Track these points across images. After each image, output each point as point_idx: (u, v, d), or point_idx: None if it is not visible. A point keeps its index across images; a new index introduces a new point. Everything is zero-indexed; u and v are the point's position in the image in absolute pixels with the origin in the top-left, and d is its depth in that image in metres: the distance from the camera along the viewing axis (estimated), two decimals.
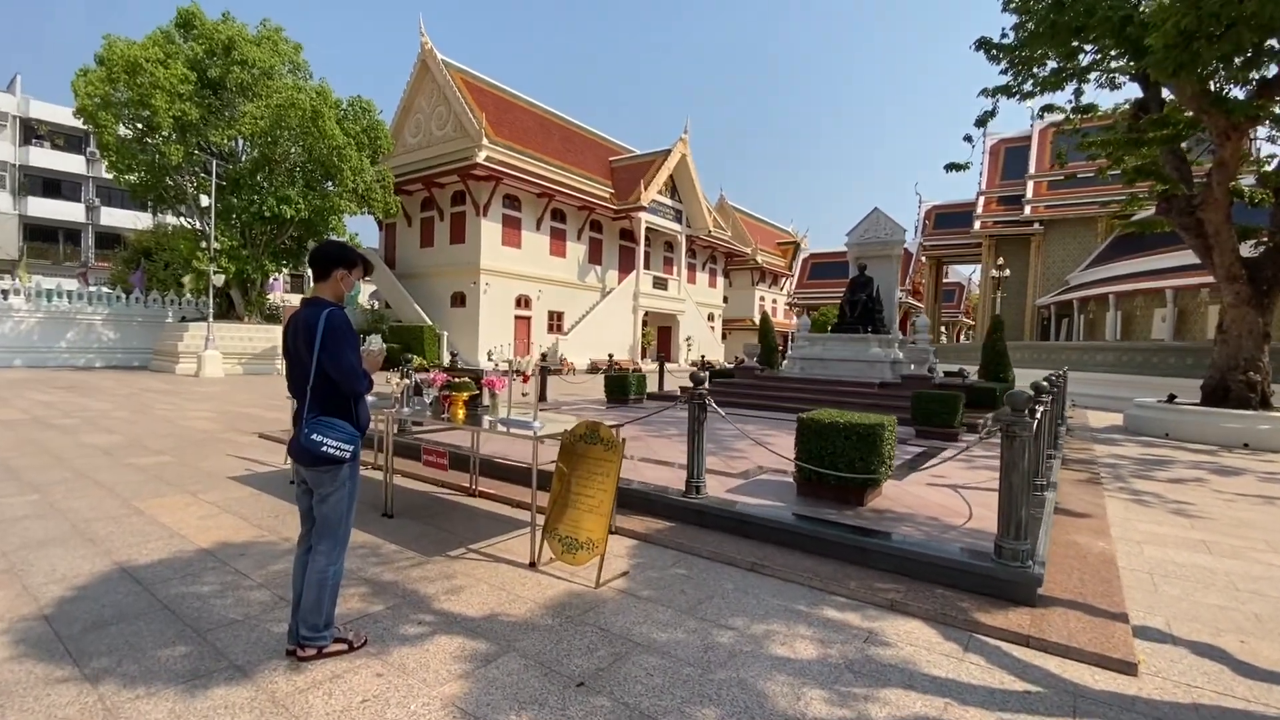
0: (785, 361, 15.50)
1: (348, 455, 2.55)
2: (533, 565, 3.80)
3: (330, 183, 21.39)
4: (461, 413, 4.59)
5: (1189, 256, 22.67)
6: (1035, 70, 11.95)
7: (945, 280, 47.27)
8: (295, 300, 31.92)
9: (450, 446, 6.53)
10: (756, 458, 6.56)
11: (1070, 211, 32.65)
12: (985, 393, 11.84)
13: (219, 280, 19.66)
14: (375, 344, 3.12)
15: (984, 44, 11.37)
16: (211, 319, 19.29)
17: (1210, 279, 21.34)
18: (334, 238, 3.56)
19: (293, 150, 20.31)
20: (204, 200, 21.01)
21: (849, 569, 3.79)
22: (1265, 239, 10.92)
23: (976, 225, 35.59)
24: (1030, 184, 34.53)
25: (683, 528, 4.46)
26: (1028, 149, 36.25)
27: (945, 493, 5.13)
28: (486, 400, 4.88)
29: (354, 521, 2.89)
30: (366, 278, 2.95)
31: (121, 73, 18.08)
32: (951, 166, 14.58)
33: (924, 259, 42.02)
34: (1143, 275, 24.12)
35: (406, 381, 4.82)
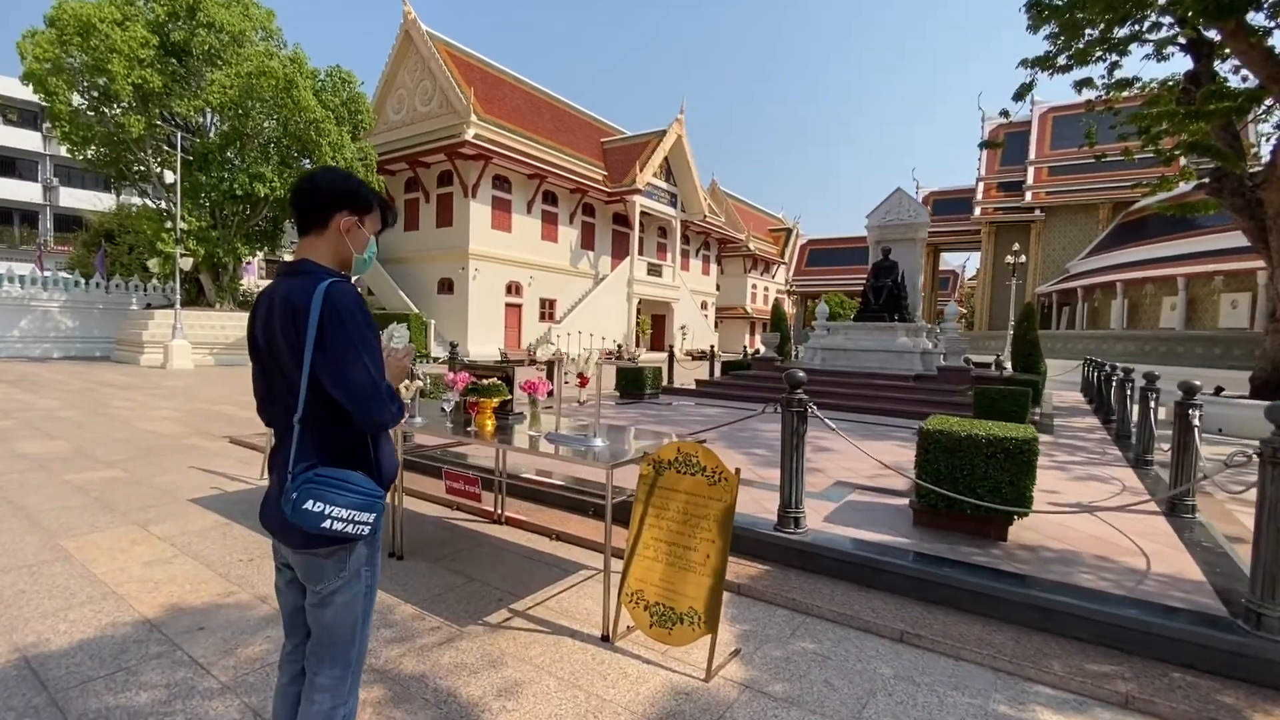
0: (803, 351, 14.57)
1: (365, 530, 1.48)
2: (606, 639, 2.77)
3: (308, 160, 19.89)
4: (490, 424, 3.54)
5: (1201, 243, 22.23)
6: (1073, 43, 11.11)
7: (941, 269, 46.75)
8: None
9: (454, 457, 5.47)
10: (831, 470, 5.58)
11: (1071, 198, 32.13)
12: (1025, 385, 11.00)
13: (186, 264, 18.16)
14: (400, 338, 2.00)
15: (1035, 3, 10.42)
16: (179, 306, 17.82)
17: (1223, 266, 20.87)
18: (325, 172, 1.31)
19: (266, 124, 18.78)
20: (169, 177, 19.44)
21: (1032, 638, 2.81)
22: None
23: (977, 211, 34.99)
24: (1031, 170, 33.95)
25: (784, 574, 3.45)
26: (1027, 134, 35.64)
27: (1084, 518, 4.19)
28: (519, 407, 3.86)
29: None
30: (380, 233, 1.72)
31: (74, 35, 16.41)
32: (986, 145, 13.75)
33: None
34: (1152, 262, 23.58)
35: (418, 383, 3.75)
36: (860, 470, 5.53)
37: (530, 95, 29.82)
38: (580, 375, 3.17)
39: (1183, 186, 13.88)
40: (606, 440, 3.20)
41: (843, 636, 2.88)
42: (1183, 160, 11.93)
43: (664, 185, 32.00)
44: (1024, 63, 11.68)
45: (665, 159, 31.13)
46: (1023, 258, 23.65)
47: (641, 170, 28.84)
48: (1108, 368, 9.91)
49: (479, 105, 23.84)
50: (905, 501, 4.47)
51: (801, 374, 3.63)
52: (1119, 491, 5.10)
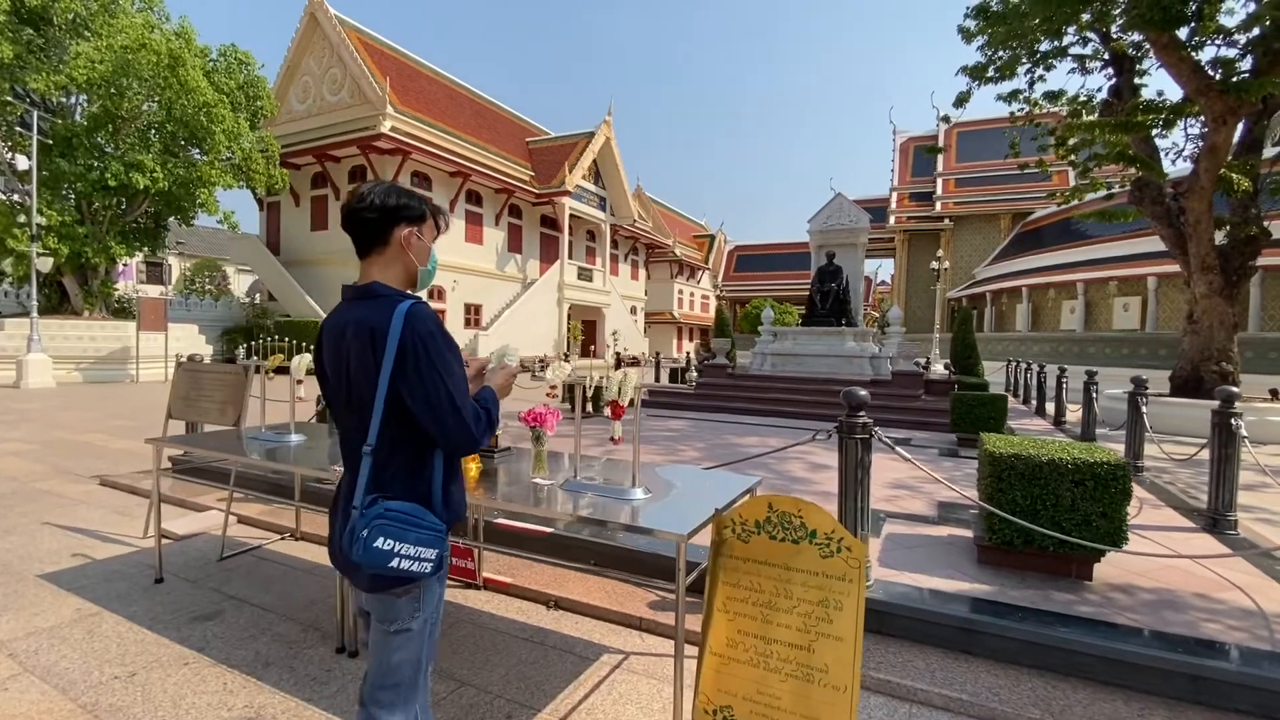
0: (750, 357, 14.23)
1: (429, 568, 1.40)
2: None
3: (197, 149, 17.66)
4: (475, 468, 2.71)
5: (1095, 251, 23.96)
6: (1001, 53, 11.46)
7: None
8: (151, 291, 27.05)
9: None
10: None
11: (976, 208, 34.15)
12: (976, 389, 11.10)
13: (46, 265, 15.56)
14: (511, 356, 1.92)
15: (980, 11, 10.55)
16: (36, 313, 15.19)
17: (1116, 272, 22.60)
18: (372, 190, 1.57)
19: (145, 106, 16.46)
20: (23, 163, 16.65)
21: (1188, 715, 2.29)
22: (1251, 228, 10.71)
23: (891, 220, 36.50)
24: (940, 181, 35.85)
25: None
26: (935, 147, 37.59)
27: (1146, 543, 3.81)
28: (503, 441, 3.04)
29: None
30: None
31: None
32: (929, 150, 13.94)
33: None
34: (1054, 269, 25.24)
35: None
36: (875, 494, 5.00)
37: (450, 89, 28.26)
38: (613, 404, 2.39)
39: (1090, 196, 14.61)
40: (649, 491, 2.42)
41: None
42: (1070, 177, 12.63)
43: (593, 188, 31.23)
44: (963, 69, 11.90)
45: (594, 161, 30.39)
46: (946, 264, 24.67)
47: (571, 172, 27.94)
48: (1058, 370, 10.08)
49: (395, 97, 22.19)
50: (949, 532, 3.96)
51: (864, 393, 3.00)
52: (1138, 507, 4.83)
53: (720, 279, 50.35)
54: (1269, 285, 19.09)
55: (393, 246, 1.49)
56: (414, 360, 1.36)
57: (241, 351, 20.17)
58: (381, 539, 1.32)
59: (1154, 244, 18.17)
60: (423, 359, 1.37)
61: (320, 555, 3.92)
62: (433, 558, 1.40)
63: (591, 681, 2.54)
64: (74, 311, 17.90)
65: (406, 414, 1.40)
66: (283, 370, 3.61)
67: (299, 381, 3.46)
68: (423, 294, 1.59)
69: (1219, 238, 11.21)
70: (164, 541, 3.96)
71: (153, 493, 3.59)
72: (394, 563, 1.33)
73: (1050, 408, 11.03)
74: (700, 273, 50.30)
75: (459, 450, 1.47)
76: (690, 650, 2.12)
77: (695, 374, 12.63)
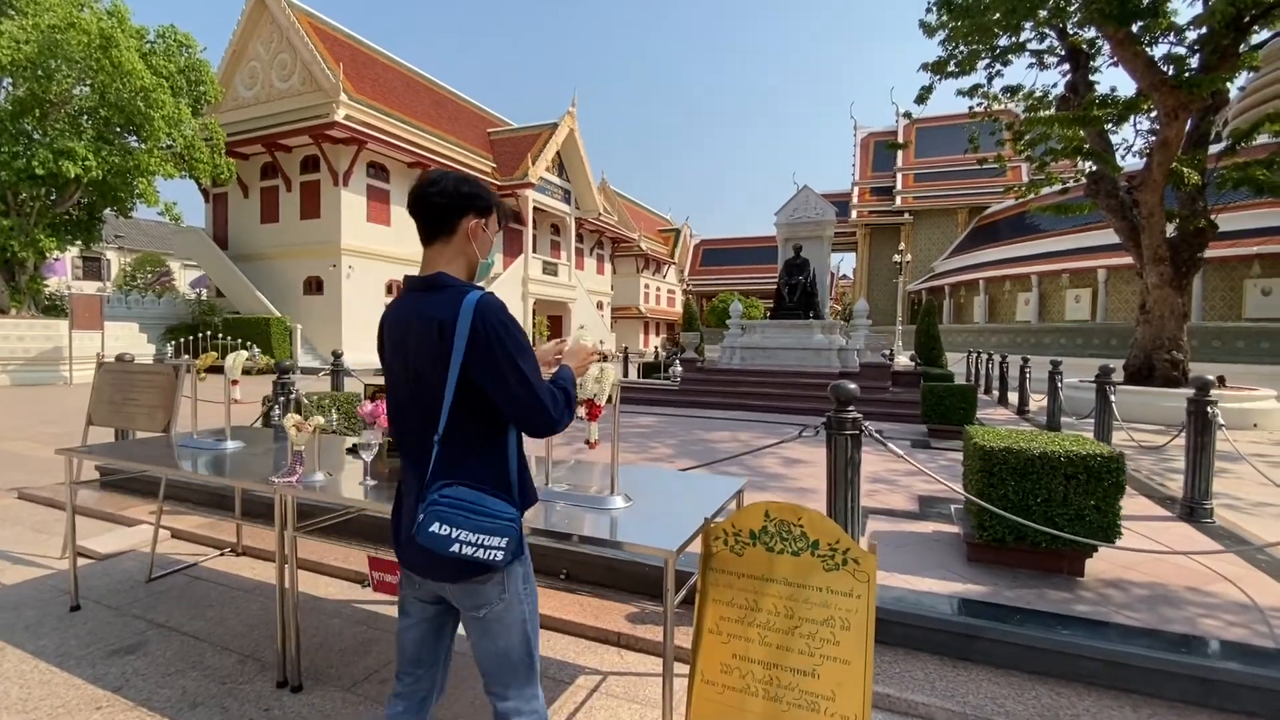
0: (719, 351, 14.12)
1: (499, 555, 1.35)
2: None
3: (134, 135, 16.62)
4: None
5: (1048, 244, 24.64)
6: (961, 48, 11.55)
7: None
8: (88, 288, 25.61)
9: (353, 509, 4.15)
10: (817, 486, 4.86)
11: (935, 203, 34.84)
12: (936, 379, 11.19)
13: None
14: (588, 338, 1.81)
15: (943, 3, 10.57)
16: None
17: (1068, 265, 23.29)
18: (443, 176, 1.22)
19: (77, 90, 15.41)
20: None
21: (1195, 718, 2.19)
22: (1199, 220, 11.01)
23: (853, 215, 36.95)
24: (899, 176, 36.45)
25: None
26: (896, 143, 38.18)
27: (1135, 538, 3.75)
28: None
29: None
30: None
31: None
32: (891, 146, 14.00)
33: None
34: (1009, 262, 25.87)
35: (319, 419, 2.52)
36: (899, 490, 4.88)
37: (407, 78, 27.37)
38: (590, 403, 2.14)
39: (1046, 190, 14.91)
40: (629, 499, 2.19)
41: None
42: (1024, 172, 12.89)
43: (557, 181, 30.73)
44: (924, 66, 11.97)
45: (558, 154, 29.89)
46: (909, 257, 25.05)
47: (534, 164, 27.41)
48: (1020, 360, 10.22)
49: (349, 84, 21.34)
50: (934, 528, 3.84)
51: (852, 386, 2.83)
52: None
53: (687, 273, 50.37)
54: (1209, 276, 19.88)
55: (459, 236, 1.48)
56: (486, 349, 1.36)
57: (170, 349, 19.03)
58: (437, 524, 1.31)
59: (1103, 237, 18.75)
60: (496, 347, 1.36)
61: (264, 572, 3.58)
62: (501, 545, 1.36)
63: (568, 708, 2.30)
64: (0, 309, 16.70)
65: (476, 403, 1.39)
66: (216, 369, 3.25)
67: (234, 382, 3.12)
68: (488, 272, 1.52)
69: (1169, 230, 11.52)
70: (84, 561, 3.58)
71: (68, 507, 3.20)
72: (454, 548, 1.31)
73: (1013, 397, 11.20)
74: (666, 267, 50.22)
75: (540, 431, 1.44)
76: (679, 669, 1.90)
77: (679, 368, 12.40)
